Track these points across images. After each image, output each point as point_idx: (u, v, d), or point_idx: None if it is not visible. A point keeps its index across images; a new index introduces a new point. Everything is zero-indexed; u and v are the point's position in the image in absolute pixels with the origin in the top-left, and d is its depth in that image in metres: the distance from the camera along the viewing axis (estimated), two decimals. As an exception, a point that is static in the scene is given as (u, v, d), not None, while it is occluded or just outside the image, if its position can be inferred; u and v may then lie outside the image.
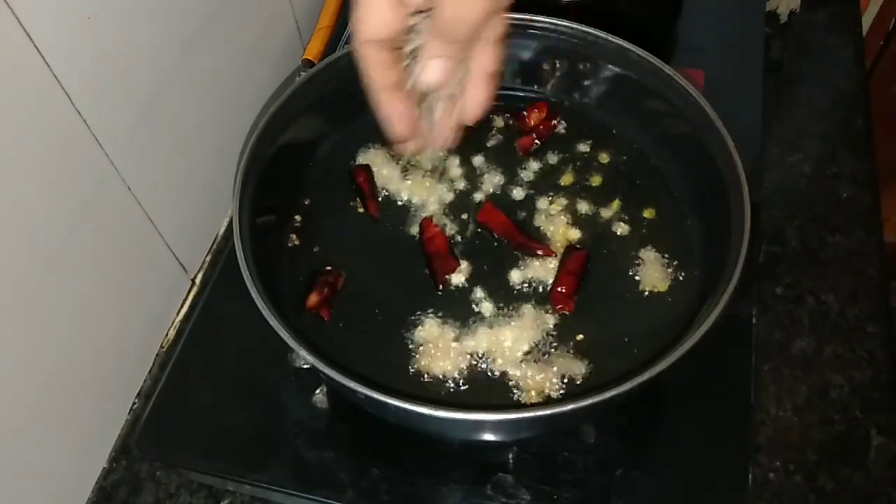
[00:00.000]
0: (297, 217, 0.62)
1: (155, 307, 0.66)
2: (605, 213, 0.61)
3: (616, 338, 0.55)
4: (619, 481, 0.53)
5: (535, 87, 0.68)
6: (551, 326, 0.55)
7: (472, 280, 0.58)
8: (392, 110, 0.42)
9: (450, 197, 0.63)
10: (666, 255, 0.58)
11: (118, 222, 0.57)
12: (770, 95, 0.75)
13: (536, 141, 0.65)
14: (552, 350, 0.54)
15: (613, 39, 0.61)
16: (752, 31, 0.77)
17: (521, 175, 0.64)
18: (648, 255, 0.58)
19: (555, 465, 0.53)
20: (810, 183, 0.74)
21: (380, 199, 0.63)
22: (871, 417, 0.60)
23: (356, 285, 0.58)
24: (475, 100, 0.42)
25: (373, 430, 0.55)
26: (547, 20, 0.63)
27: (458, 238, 0.60)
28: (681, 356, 0.45)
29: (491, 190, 0.63)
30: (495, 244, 0.60)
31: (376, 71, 0.40)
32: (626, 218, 0.61)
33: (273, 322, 0.48)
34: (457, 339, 0.55)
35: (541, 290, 0.57)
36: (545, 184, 0.63)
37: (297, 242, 0.61)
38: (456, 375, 0.54)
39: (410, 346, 0.55)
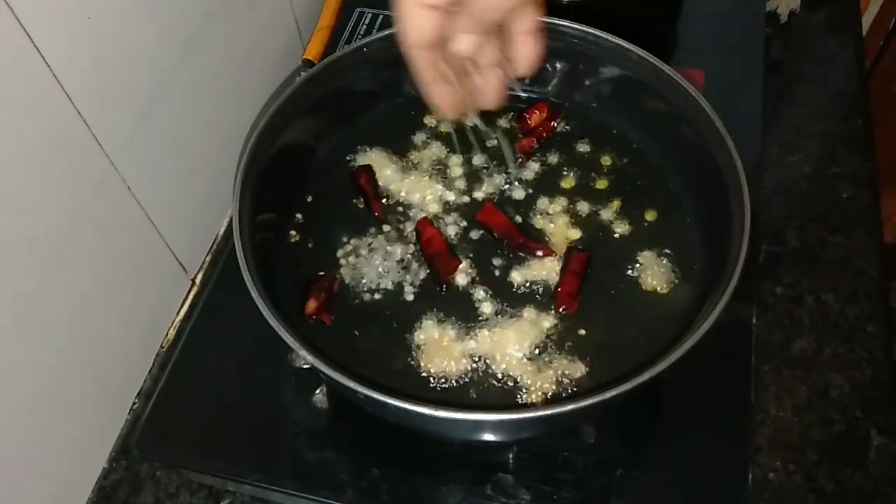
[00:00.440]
0: (298, 215, 0.62)
1: (155, 307, 0.66)
2: (606, 213, 0.61)
3: (616, 338, 0.55)
4: (619, 481, 0.53)
5: (536, 87, 0.68)
6: (551, 327, 0.55)
7: (472, 280, 0.58)
8: (439, 96, 0.47)
9: (450, 197, 0.63)
10: (666, 255, 0.58)
11: (118, 222, 0.57)
12: (770, 95, 0.75)
13: (537, 141, 0.65)
14: (552, 350, 0.54)
15: (613, 39, 0.61)
16: (752, 31, 0.77)
17: (522, 175, 0.64)
18: (648, 255, 0.58)
19: (555, 465, 0.53)
20: (810, 183, 0.74)
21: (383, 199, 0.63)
22: (871, 417, 0.60)
23: (356, 285, 0.58)
24: (525, 56, 0.45)
25: (373, 430, 0.55)
26: (547, 20, 0.63)
27: (458, 238, 0.60)
28: (681, 356, 0.45)
29: (491, 191, 0.63)
30: (495, 244, 0.60)
31: (426, 70, 0.45)
32: (627, 218, 0.61)
33: (273, 322, 0.48)
34: (457, 340, 0.55)
35: (541, 290, 0.57)
36: (545, 184, 0.63)
37: (297, 241, 0.61)
38: (456, 375, 0.54)
39: (410, 347, 0.55)
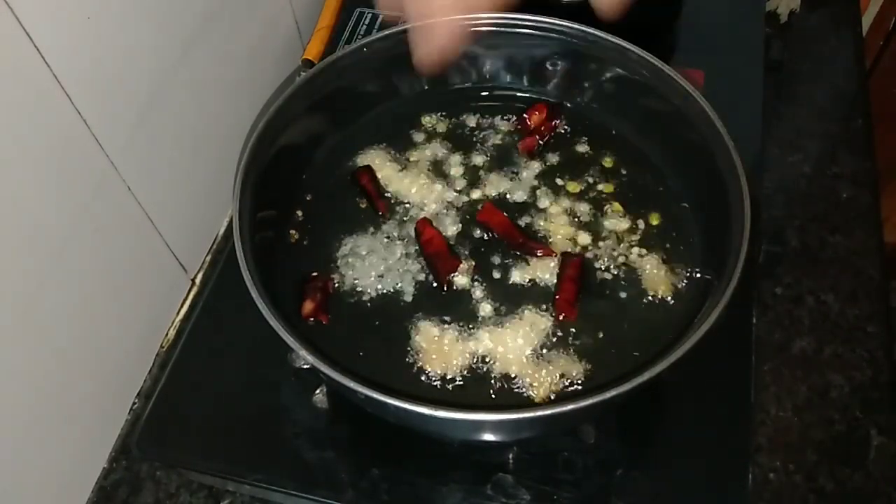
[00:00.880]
0: (298, 215, 0.62)
1: (155, 307, 0.66)
2: (606, 213, 0.61)
3: (616, 338, 0.55)
4: (619, 481, 0.53)
5: (535, 87, 0.68)
6: (551, 327, 0.55)
7: (472, 280, 0.58)
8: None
9: (450, 196, 0.63)
10: (666, 255, 0.58)
11: (118, 222, 0.57)
12: (770, 95, 0.75)
13: (539, 142, 0.65)
14: (552, 350, 0.54)
15: (613, 39, 0.61)
16: (752, 31, 0.77)
17: (522, 176, 0.64)
18: (648, 255, 0.58)
19: (555, 465, 0.53)
20: (810, 183, 0.74)
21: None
22: (871, 417, 0.60)
23: (356, 285, 0.58)
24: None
25: (373, 430, 0.55)
26: (547, 20, 0.63)
27: (457, 238, 0.60)
28: (681, 356, 0.45)
29: (491, 191, 0.63)
30: (495, 244, 0.60)
31: None
32: (626, 218, 0.60)
33: (273, 322, 0.48)
34: (457, 340, 0.55)
35: (541, 290, 0.57)
36: (546, 185, 0.63)
37: (297, 241, 0.61)
38: (456, 376, 0.54)
39: (410, 347, 0.55)
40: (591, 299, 0.57)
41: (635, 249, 0.59)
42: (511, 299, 0.57)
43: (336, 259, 0.59)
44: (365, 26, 0.80)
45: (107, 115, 0.53)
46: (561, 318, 0.55)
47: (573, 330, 0.55)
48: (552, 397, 0.52)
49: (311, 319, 0.56)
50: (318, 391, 0.57)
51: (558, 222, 0.61)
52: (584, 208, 0.61)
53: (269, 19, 0.74)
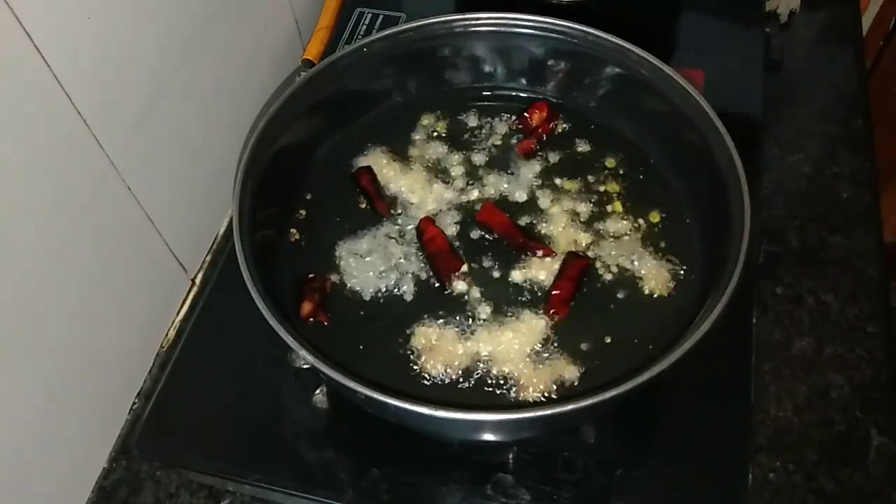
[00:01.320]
0: (298, 215, 0.62)
1: (155, 307, 0.66)
2: (606, 213, 0.61)
3: (616, 338, 0.55)
4: (619, 481, 0.53)
5: (536, 87, 0.68)
6: (552, 327, 0.55)
7: (473, 281, 0.58)
8: None
9: (449, 196, 0.62)
10: (666, 255, 0.58)
11: (118, 222, 0.57)
12: (770, 95, 0.75)
13: (537, 142, 0.65)
14: (552, 350, 0.54)
15: (613, 39, 0.61)
16: (752, 31, 0.77)
17: (522, 175, 0.64)
18: (648, 255, 0.58)
19: (555, 465, 0.53)
20: (810, 183, 0.74)
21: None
22: (871, 417, 0.60)
23: (356, 285, 0.58)
24: None
25: (373, 430, 0.55)
26: (547, 20, 0.63)
27: (457, 238, 0.60)
28: (681, 356, 0.45)
29: (491, 191, 0.63)
30: (495, 244, 0.60)
31: None
32: (626, 218, 0.61)
33: (273, 322, 0.48)
34: (457, 340, 0.55)
35: (541, 290, 0.57)
36: (546, 184, 0.63)
37: (297, 241, 0.61)
38: (456, 376, 0.54)
39: (410, 347, 0.55)
40: (590, 299, 0.57)
41: (635, 249, 0.59)
42: (511, 299, 0.57)
43: (336, 259, 0.59)
44: (365, 26, 0.80)
45: (107, 115, 0.53)
46: (552, 314, 0.55)
47: (573, 330, 0.55)
48: (552, 397, 0.52)
49: (311, 320, 0.56)
50: (318, 391, 0.57)
51: (558, 222, 0.60)
52: (583, 208, 0.61)
53: (269, 19, 0.74)
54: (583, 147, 0.65)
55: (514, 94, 0.68)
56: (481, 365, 0.54)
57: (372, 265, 0.59)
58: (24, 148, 0.47)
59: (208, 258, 0.71)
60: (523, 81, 0.68)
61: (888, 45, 1.09)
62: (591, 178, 0.63)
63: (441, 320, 0.56)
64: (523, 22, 0.64)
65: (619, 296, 0.57)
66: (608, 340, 0.55)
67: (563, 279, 0.56)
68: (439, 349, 0.54)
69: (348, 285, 0.58)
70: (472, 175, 0.64)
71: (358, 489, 0.53)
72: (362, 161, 0.64)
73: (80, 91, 0.50)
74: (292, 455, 0.56)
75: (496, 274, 0.58)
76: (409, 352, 0.55)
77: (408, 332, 0.55)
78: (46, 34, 0.46)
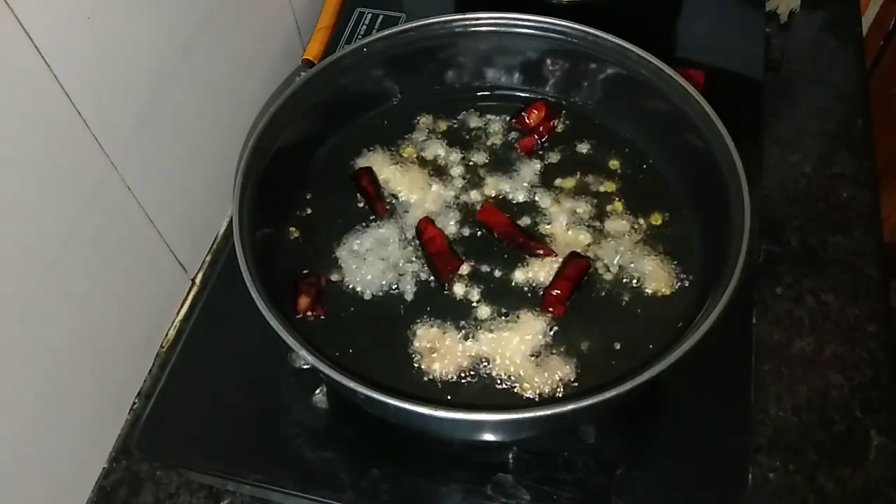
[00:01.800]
0: (298, 215, 0.62)
1: (155, 307, 0.66)
2: (606, 213, 0.61)
3: (616, 338, 0.55)
4: (619, 481, 0.53)
5: (535, 87, 0.68)
6: (552, 327, 0.55)
7: (472, 281, 0.58)
8: None
9: (449, 196, 0.62)
10: (666, 255, 0.58)
11: (118, 222, 0.57)
12: (770, 95, 0.75)
13: (538, 141, 0.65)
14: (552, 350, 0.54)
15: (613, 39, 0.61)
16: (752, 31, 0.77)
17: (522, 175, 0.64)
18: (648, 255, 0.58)
19: (555, 465, 0.53)
20: (810, 183, 0.74)
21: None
22: (871, 417, 0.60)
23: (356, 285, 0.58)
24: None
25: (373, 430, 0.55)
26: (547, 20, 0.63)
27: (457, 238, 0.60)
28: (681, 356, 0.45)
29: (491, 191, 0.63)
30: (495, 244, 0.60)
31: None
32: (626, 218, 0.61)
33: (273, 322, 0.48)
34: (457, 340, 0.55)
35: (541, 290, 0.57)
36: (545, 184, 0.63)
37: (297, 241, 0.61)
38: (456, 376, 0.54)
39: (410, 347, 0.55)
40: (591, 299, 0.57)
41: (635, 249, 0.59)
42: (511, 299, 0.57)
43: (336, 259, 0.59)
44: (365, 26, 0.80)
45: (107, 115, 0.53)
46: (549, 312, 0.55)
47: (573, 330, 0.55)
48: (552, 397, 0.52)
49: (310, 313, 0.56)
50: (318, 391, 0.57)
51: (558, 222, 0.60)
52: (583, 208, 0.61)
53: (269, 19, 0.74)
54: (583, 147, 0.65)
55: (513, 94, 0.68)
56: (481, 365, 0.54)
57: (372, 265, 0.59)
58: (24, 148, 0.47)
59: (208, 258, 0.71)
60: (523, 81, 0.68)
61: (888, 45, 1.09)
62: (591, 178, 0.63)
63: (441, 320, 0.56)
64: (523, 22, 0.64)
65: (620, 296, 0.57)
66: (608, 340, 0.55)
67: (562, 278, 0.56)
68: (439, 349, 0.54)
69: (348, 285, 0.58)
70: (472, 175, 0.64)
71: (358, 489, 0.53)
72: (362, 161, 0.64)
73: (80, 91, 0.50)
74: (292, 455, 0.55)
75: (496, 274, 0.58)
76: (409, 352, 0.55)
77: (408, 332, 0.55)
78: (46, 34, 0.46)
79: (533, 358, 0.54)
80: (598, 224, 0.60)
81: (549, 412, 0.45)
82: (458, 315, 0.56)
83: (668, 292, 0.57)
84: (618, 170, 0.64)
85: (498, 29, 0.64)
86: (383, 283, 0.58)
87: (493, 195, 0.63)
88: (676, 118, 0.59)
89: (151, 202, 0.60)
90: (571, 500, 0.52)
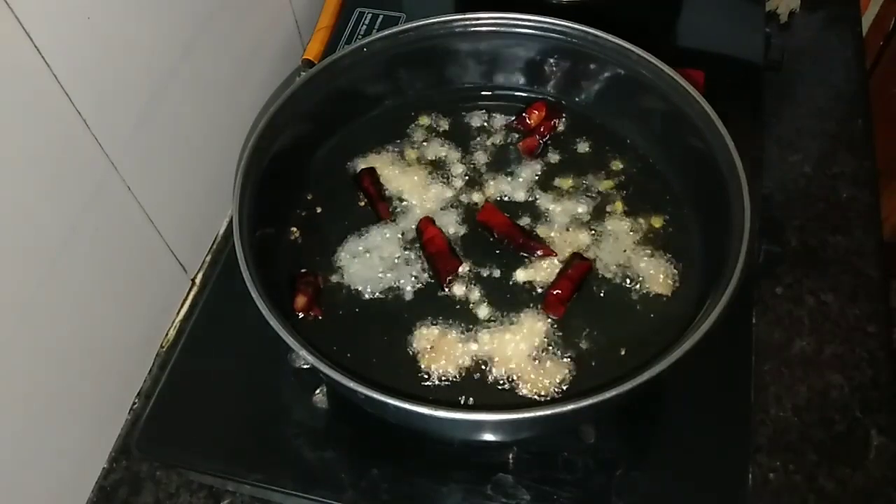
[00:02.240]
0: (298, 215, 0.62)
1: (155, 307, 0.66)
2: (606, 213, 0.61)
3: (616, 338, 0.55)
4: (619, 481, 0.53)
5: (535, 87, 0.68)
6: (552, 327, 0.55)
7: (472, 281, 0.58)
8: None
9: (449, 196, 0.62)
10: (666, 255, 0.58)
11: (118, 222, 0.57)
12: (770, 95, 0.75)
13: (539, 141, 0.65)
14: (552, 350, 0.54)
15: (613, 39, 0.61)
16: (752, 31, 0.77)
17: (522, 176, 0.64)
18: (648, 255, 0.58)
19: (555, 465, 0.53)
20: (810, 183, 0.74)
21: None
22: (871, 417, 0.60)
23: (356, 285, 0.58)
24: None
25: (373, 430, 0.55)
26: (547, 20, 0.63)
27: (457, 238, 0.60)
28: (681, 356, 0.45)
29: (491, 191, 0.63)
30: (495, 245, 0.60)
31: None
32: (627, 218, 0.61)
33: (273, 322, 0.48)
34: (457, 340, 0.55)
35: (541, 290, 0.57)
36: (546, 184, 0.63)
37: (297, 241, 0.61)
38: (456, 376, 0.54)
39: (410, 347, 0.55)
40: (591, 299, 0.57)
41: (635, 249, 0.59)
42: (511, 300, 0.57)
43: (336, 259, 0.59)
44: (365, 26, 0.80)
45: (107, 115, 0.53)
46: (548, 312, 0.55)
47: (573, 330, 0.55)
48: (552, 397, 0.52)
49: (311, 313, 0.56)
50: (318, 391, 0.57)
51: (558, 222, 0.61)
52: (584, 208, 0.61)
53: (269, 19, 0.74)
54: (583, 147, 0.65)
55: (514, 93, 0.68)
56: (481, 365, 0.54)
57: (372, 265, 0.59)
58: (24, 148, 0.47)
59: (208, 258, 0.71)
60: (523, 81, 0.68)
61: (888, 45, 1.09)
62: (591, 178, 0.63)
63: (441, 320, 0.56)
64: (523, 22, 0.64)
65: (619, 296, 0.57)
66: (608, 341, 0.55)
67: (563, 279, 0.56)
68: (439, 349, 0.54)
69: (349, 285, 0.58)
70: (472, 175, 0.64)
71: (358, 489, 0.53)
72: (362, 161, 0.64)
73: (80, 91, 0.50)
74: (292, 455, 0.56)
75: (496, 274, 0.58)
76: (409, 352, 0.55)
77: (408, 332, 0.55)
78: (46, 34, 0.46)
79: (533, 358, 0.54)
80: (598, 224, 0.60)
81: (549, 412, 0.45)
82: (458, 315, 0.56)
83: (668, 292, 0.57)
84: (618, 170, 0.64)
85: (498, 29, 0.64)
86: (383, 282, 0.58)
87: (493, 195, 0.63)
88: (676, 118, 0.59)
89: (151, 202, 0.60)
90: (571, 500, 0.52)
